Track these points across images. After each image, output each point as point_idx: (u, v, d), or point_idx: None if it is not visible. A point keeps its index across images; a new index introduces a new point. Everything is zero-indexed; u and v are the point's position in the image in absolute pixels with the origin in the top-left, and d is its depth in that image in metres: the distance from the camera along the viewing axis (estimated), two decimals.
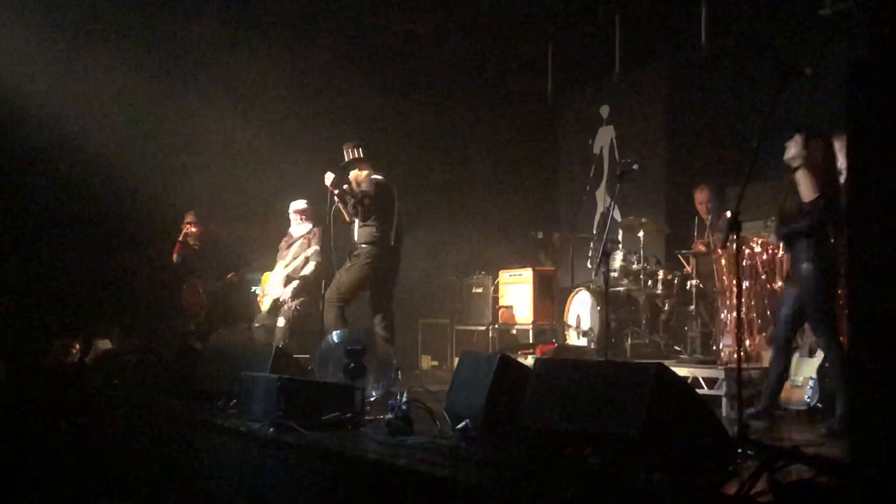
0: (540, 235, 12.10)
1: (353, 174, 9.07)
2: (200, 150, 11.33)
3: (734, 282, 8.14)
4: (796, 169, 6.72)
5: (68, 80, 10.82)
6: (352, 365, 6.91)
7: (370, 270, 8.83)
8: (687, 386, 5.27)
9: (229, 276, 11.18)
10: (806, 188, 6.67)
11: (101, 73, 11.01)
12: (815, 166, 6.68)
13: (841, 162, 8.03)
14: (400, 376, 8.00)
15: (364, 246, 8.88)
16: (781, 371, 7.02)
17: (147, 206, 11.20)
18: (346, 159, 9.08)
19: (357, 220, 8.97)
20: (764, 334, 8.25)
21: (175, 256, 11.26)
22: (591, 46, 12.77)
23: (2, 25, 10.33)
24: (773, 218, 8.20)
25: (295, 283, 10.00)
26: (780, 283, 8.09)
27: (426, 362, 12.15)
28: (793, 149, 6.78)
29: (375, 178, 9.01)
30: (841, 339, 6.74)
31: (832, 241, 6.77)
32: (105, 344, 10.20)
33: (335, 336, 7.82)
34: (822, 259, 6.71)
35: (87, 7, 11.01)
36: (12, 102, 10.58)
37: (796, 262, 6.90)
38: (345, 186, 8.93)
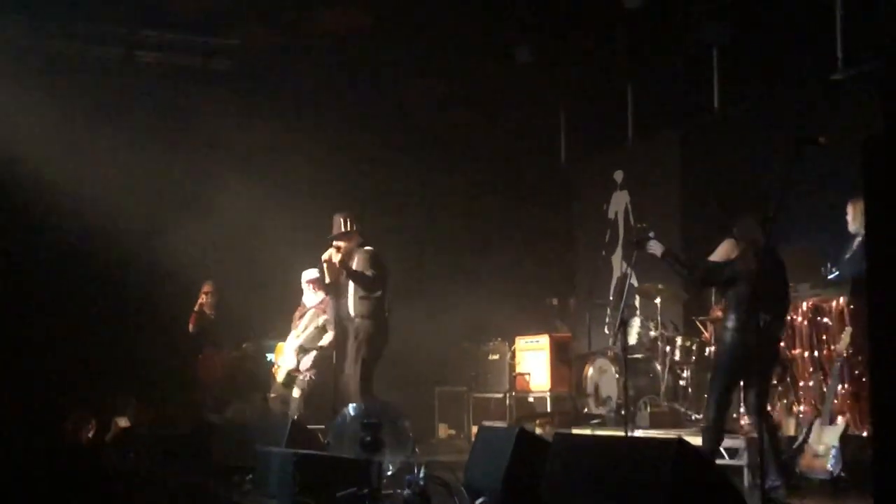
0: (555, 302, 12.04)
1: (342, 244, 8.99)
2: (214, 220, 11.35)
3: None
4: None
5: (83, 152, 10.90)
6: (368, 439, 6.86)
7: (373, 345, 8.79)
8: (708, 460, 5.21)
9: (244, 346, 11.16)
10: (716, 252, 7.31)
11: (115, 145, 11.12)
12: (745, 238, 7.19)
13: (852, 226, 8.10)
14: (417, 449, 7.93)
15: (363, 320, 8.81)
16: (770, 437, 7.02)
17: (162, 277, 11.20)
18: (336, 230, 9.02)
19: (353, 292, 8.89)
20: (784, 402, 8.18)
21: (191, 327, 11.26)
22: (604, 112, 12.82)
23: (13, 96, 10.41)
24: (791, 284, 8.19)
25: (313, 354, 9.94)
26: (798, 350, 8.06)
27: (443, 431, 12.05)
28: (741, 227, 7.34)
29: (370, 251, 8.96)
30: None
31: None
32: (123, 421, 10.15)
33: (351, 409, 7.79)
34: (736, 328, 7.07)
35: (101, 79, 11.17)
36: (26, 174, 10.63)
37: None
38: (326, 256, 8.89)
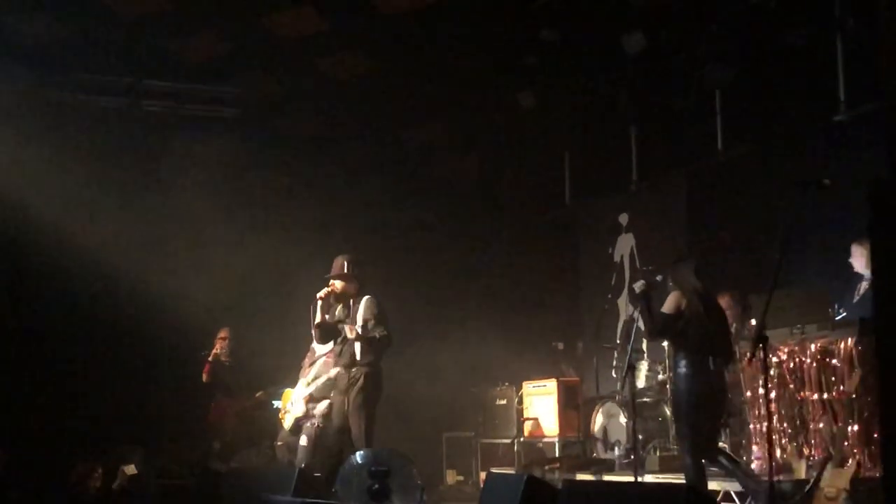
0: (561, 346, 12.00)
1: (340, 285, 8.96)
2: (224, 267, 11.37)
3: (762, 392, 8.04)
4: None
5: (89, 200, 10.95)
6: (376, 486, 6.83)
7: (377, 393, 8.74)
8: None
9: (258, 394, 11.12)
10: (666, 306, 7.48)
11: (121, 194, 11.16)
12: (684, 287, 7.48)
13: (858, 267, 8.14)
14: (425, 497, 7.87)
15: (368, 368, 8.72)
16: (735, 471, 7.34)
17: (170, 325, 11.18)
18: (336, 271, 8.96)
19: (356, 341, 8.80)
20: (794, 444, 8.12)
21: (205, 376, 11.18)
22: (608, 155, 12.85)
23: (18, 145, 10.46)
24: (798, 325, 8.19)
25: (325, 403, 9.84)
26: (807, 392, 8.03)
27: (451, 477, 11.97)
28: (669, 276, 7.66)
29: (372, 300, 8.88)
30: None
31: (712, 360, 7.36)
32: (131, 469, 10.08)
33: (359, 457, 7.74)
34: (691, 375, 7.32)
35: (106, 127, 11.24)
36: (30, 224, 10.66)
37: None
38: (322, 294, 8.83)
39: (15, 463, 9.77)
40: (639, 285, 7.63)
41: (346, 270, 8.96)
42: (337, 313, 9.05)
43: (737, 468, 7.46)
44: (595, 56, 10.73)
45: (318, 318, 8.95)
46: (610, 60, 10.73)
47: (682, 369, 7.37)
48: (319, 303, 8.93)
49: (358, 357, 8.78)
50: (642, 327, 8.57)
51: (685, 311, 7.42)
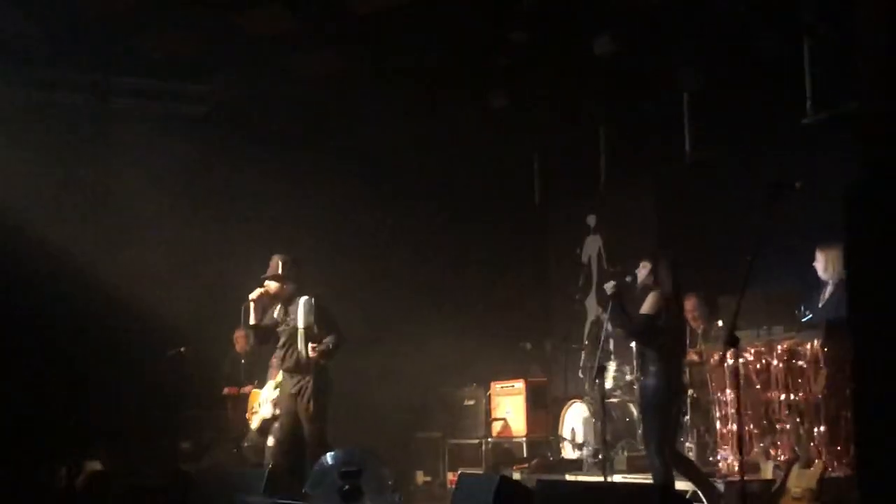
0: (529, 347, 12.03)
1: (275, 286, 8.75)
2: (194, 267, 11.31)
3: (730, 393, 8.12)
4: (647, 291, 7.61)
5: (55, 199, 10.86)
6: (346, 487, 6.82)
7: (329, 395, 8.62)
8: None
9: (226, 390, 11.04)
10: (648, 306, 7.53)
11: (87, 192, 11.08)
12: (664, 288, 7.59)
13: (821, 272, 8.23)
14: (400, 499, 7.86)
15: (312, 374, 8.49)
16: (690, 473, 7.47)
17: (139, 324, 11.08)
18: (272, 271, 8.75)
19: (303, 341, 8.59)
20: (761, 445, 8.20)
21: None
22: (577, 156, 12.91)
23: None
24: (765, 326, 8.27)
25: None
26: (774, 393, 8.10)
27: (419, 478, 11.96)
28: (643, 276, 7.73)
29: (311, 301, 8.60)
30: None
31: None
32: (94, 466, 9.99)
33: (329, 457, 7.71)
34: (662, 375, 7.41)
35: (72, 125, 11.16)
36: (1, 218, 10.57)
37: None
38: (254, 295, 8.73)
39: None
40: (609, 286, 7.68)
41: (280, 271, 8.73)
42: (275, 314, 8.87)
43: (691, 469, 7.60)
44: (565, 58, 10.76)
45: (252, 320, 8.75)
46: (580, 62, 10.76)
47: (654, 368, 7.43)
48: (252, 304, 8.72)
49: (304, 362, 8.56)
50: (611, 328, 8.65)
51: (663, 313, 7.48)
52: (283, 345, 8.70)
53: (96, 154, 11.37)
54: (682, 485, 7.84)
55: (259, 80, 11.38)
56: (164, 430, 10.99)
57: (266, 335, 8.86)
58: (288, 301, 8.72)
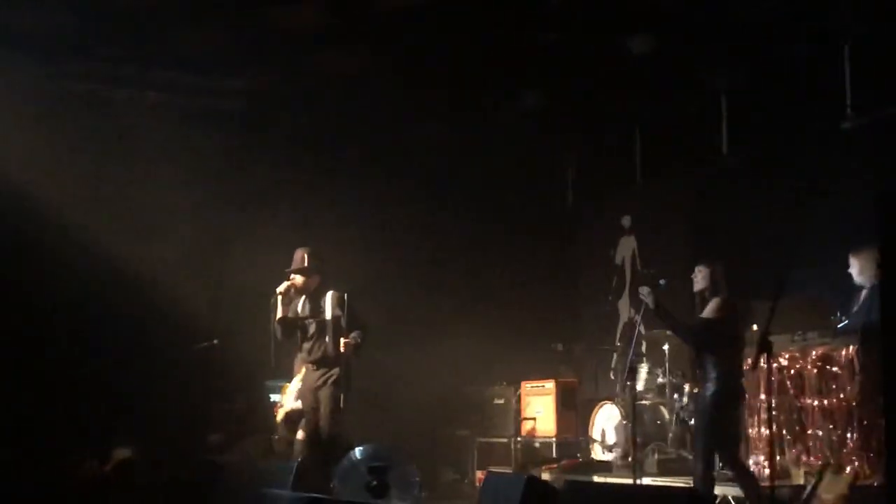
0: (560, 348, 11.99)
1: (300, 279, 8.79)
2: (224, 259, 11.34)
3: (763, 398, 8.04)
4: (708, 297, 7.50)
5: (90, 191, 10.92)
6: (374, 483, 6.82)
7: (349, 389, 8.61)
8: None
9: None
10: (711, 311, 7.43)
11: (123, 184, 11.14)
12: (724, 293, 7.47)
13: (856, 276, 8.13)
14: (424, 494, 7.86)
15: (337, 368, 8.55)
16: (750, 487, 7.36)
17: (167, 316, 11.11)
18: (297, 265, 8.79)
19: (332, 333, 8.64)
20: (793, 451, 8.12)
21: None
22: (612, 157, 12.85)
23: (21, 135, 10.41)
24: (799, 332, 8.19)
25: None
26: (807, 399, 8.02)
27: (447, 476, 11.95)
28: (698, 282, 7.61)
29: (337, 294, 8.68)
30: None
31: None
32: (123, 453, 10.01)
33: (357, 452, 7.72)
34: (723, 381, 7.30)
35: (110, 118, 11.23)
36: (33, 213, 10.62)
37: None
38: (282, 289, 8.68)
39: (7, 453, 9.71)
40: (645, 292, 7.54)
41: (305, 264, 8.78)
42: (300, 308, 8.89)
43: (752, 484, 7.44)
44: (601, 57, 10.70)
45: (279, 314, 8.78)
46: (615, 62, 10.70)
47: (714, 374, 7.31)
48: (280, 298, 8.76)
49: (331, 355, 8.60)
50: (644, 331, 8.59)
51: (727, 318, 7.39)
52: (311, 337, 8.72)
53: (128, 147, 11.40)
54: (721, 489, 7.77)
55: (291, 76, 11.39)
56: (194, 422, 11.02)
57: (292, 329, 8.87)
58: (314, 294, 8.74)
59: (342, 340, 8.46)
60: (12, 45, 10.20)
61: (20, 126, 10.36)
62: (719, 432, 7.33)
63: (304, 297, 8.87)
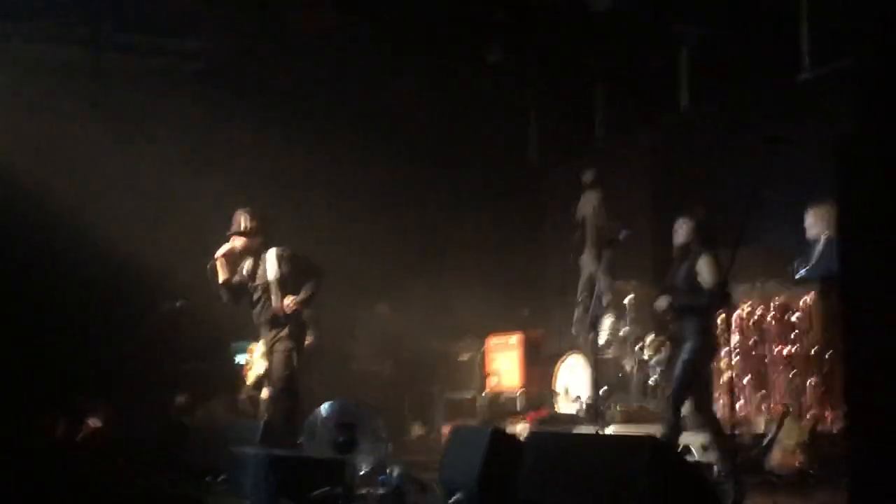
0: (526, 313, 12.04)
1: (241, 242, 8.45)
2: (190, 220, 11.28)
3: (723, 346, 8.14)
4: (694, 250, 7.16)
5: (49, 152, 10.83)
6: (341, 439, 6.87)
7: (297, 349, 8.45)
8: (682, 457, 5.25)
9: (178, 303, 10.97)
10: (709, 273, 7.01)
11: (81, 147, 11.05)
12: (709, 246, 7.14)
13: (811, 231, 8.19)
14: (391, 449, 7.92)
15: (287, 325, 8.31)
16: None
17: (134, 277, 11.07)
18: (235, 227, 8.46)
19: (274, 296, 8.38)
20: (755, 398, 8.24)
21: None
22: (574, 112, 12.87)
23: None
24: (759, 281, 8.29)
25: None
26: (767, 346, 8.13)
27: (414, 430, 12.04)
28: (682, 235, 7.30)
29: (280, 250, 8.40)
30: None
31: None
32: (95, 422, 10.01)
33: (324, 409, 7.76)
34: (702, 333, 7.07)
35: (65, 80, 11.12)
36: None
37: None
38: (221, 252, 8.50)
39: None
40: (661, 303, 7.35)
41: (244, 226, 8.47)
42: (245, 270, 8.60)
43: (719, 433, 7.19)
44: (562, 13, 10.69)
45: (222, 278, 8.48)
46: (576, 17, 10.70)
47: (694, 326, 7.08)
48: (218, 262, 8.45)
49: (280, 315, 8.35)
50: (604, 286, 8.58)
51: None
52: (257, 300, 8.57)
53: (90, 107, 11.30)
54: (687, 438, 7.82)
55: (255, 36, 11.30)
56: (161, 383, 11.01)
57: (239, 293, 8.69)
58: (257, 255, 8.54)
59: (289, 299, 8.31)
60: None
61: None
62: (698, 385, 7.21)
63: (250, 259, 8.66)
